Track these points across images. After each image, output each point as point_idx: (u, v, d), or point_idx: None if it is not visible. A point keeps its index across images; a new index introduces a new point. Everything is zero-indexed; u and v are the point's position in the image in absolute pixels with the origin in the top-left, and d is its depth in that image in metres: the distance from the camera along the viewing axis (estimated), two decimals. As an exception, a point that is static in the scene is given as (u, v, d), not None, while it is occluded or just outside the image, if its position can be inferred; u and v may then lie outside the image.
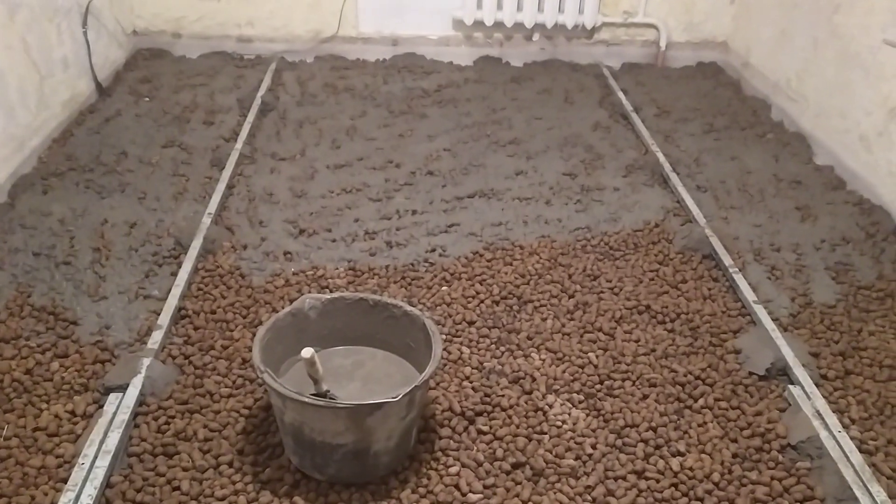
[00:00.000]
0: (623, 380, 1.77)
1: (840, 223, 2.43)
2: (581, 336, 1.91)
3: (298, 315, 1.58)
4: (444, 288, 2.08)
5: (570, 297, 2.05)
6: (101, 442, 1.51)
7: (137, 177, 2.54)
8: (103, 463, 1.47)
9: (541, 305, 2.01)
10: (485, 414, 1.66)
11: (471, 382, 1.74)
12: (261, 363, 1.41)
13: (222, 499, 1.44)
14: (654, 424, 1.64)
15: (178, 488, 1.46)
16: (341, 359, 1.63)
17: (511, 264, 2.18)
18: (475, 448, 1.58)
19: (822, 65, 2.88)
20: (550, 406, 1.69)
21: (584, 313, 1.99)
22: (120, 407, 1.60)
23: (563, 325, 1.94)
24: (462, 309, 1.98)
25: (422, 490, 1.48)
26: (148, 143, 2.76)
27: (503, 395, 1.70)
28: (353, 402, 1.34)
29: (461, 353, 1.84)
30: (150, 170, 2.59)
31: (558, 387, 1.74)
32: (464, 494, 1.47)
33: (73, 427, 1.58)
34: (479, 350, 1.85)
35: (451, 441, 1.59)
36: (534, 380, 1.75)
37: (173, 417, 1.62)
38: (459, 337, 1.89)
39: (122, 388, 1.65)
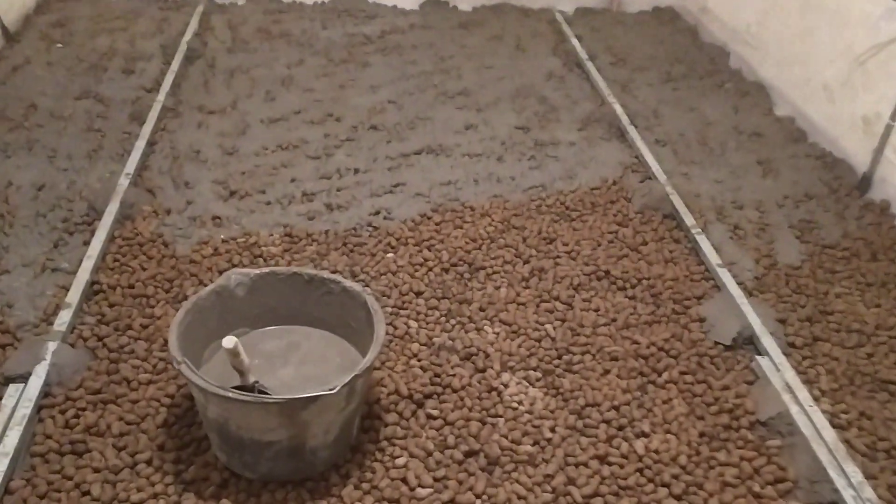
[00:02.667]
0: (583, 353, 1.64)
1: (803, 178, 2.32)
2: (537, 306, 1.77)
3: (224, 293, 1.40)
4: (389, 255, 1.91)
5: (525, 262, 1.91)
6: (1, 437, 1.33)
7: (47, 133, 2.30)
8: (1, 466, 1.29)
9: (494, 272, 1.87)
10: (435, 396, 1.52)
11: (419, 361, 1.60)
12: (178, 352, 1.23)
13: (139, 503, 1.28)
14: (616, 403, 1.52)
15: (87, 493, 1.29)
16: (274, 340, 1.46)
17: (461, 227, 2.02)
18: (424, 435, 1.44)
19: (784, 10, 2.75)
20: (506, 385, 1.55)
21: (539, 280, 1.85)
22: (20, 400, 1.41)
23: (518, 294, 1.80)
24: (409, 278, 1.82)
25: (365, 486, 1.33)
26: (60, 95, 2.50)
27: (454, 375, 1.56)
28: (284, 398, 1.18)
29: (408, 327, 1.68)
30: (62, 124, 2.35)
31: (514, 363, 1.60)
32: (412, 489, 1.34)
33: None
34: (427, 324, 1.70)
35: (398, 428, 1.45)
36: (487, 356, 1.61)
37: (83, 410, 1.44)
38: (406, 309, 1.74)
39: (24, 378, 1.46)
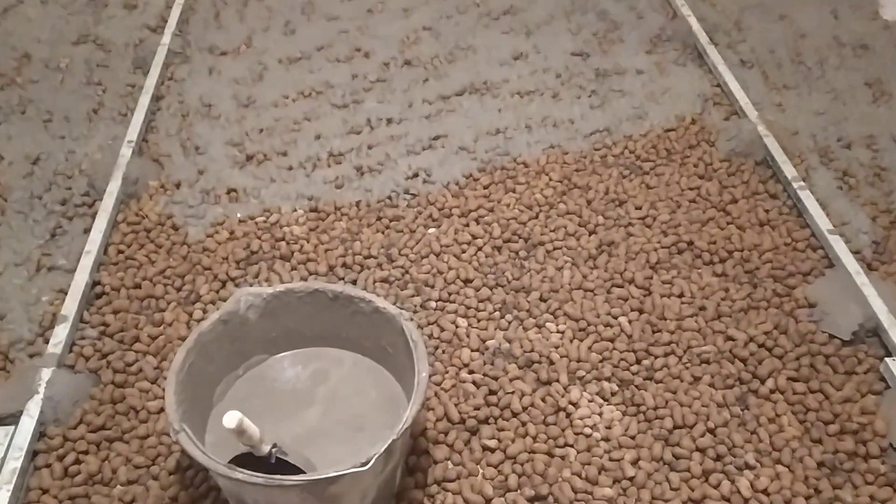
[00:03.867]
0: (666, 355, 1.37)
1: (922, 103, 1.94)
2: (608, 292, 1.49)
3: (232, 320, 1.16)
4: (430, 231, 1.63)
5: (591, 233, 1.62)
6: (-15, 507, 1.14)
7: (42, 90, 2.03)
8: (-12, 538, 1.11)
9: (554, 249, 1.58)
10: (491, 421, 1.28)
11: (471, 373, 1.35)
12: (176, 415, 1.00)
13: (150, 578, 1.09)
14: (711, 423, 1.26)
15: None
16: (296, 368, 1.23)
17: (514, 190, 1.72)
18: (480, 474, 1.21)
19: None
20: (575, 405, 1.30)
21: (609, 257, 1.56)
22: (10, 449, 1.21)
23: (585, 277, 1.52)
24: (455, 261, 1.55)
25: (413, 548, 1.12)
26: (56, 41, 2.22)
27: (513, 392, 1.31)
28: (306, 479, 0.94)
29: (457, 327, 1.43)
30: (59, 77, 2.08)
31: (584, 372, 1.34)
32: (469, 551, 1.12)
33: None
34: (479, 321, 1.44)
35: (450, 464, 1.22)
36: (552, 364, 1.36)
37: (85, 454, 1.24)
38: (453, 303, 1.47)
39: (14, 419, 1.26)
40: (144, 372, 1.35)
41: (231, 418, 0.91)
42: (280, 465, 1.01)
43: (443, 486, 1.19)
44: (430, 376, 1.07)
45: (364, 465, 0.95)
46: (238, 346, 1.18)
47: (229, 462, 0.98)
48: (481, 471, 1.21)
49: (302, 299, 1.19)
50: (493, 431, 1.26)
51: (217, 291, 1.50)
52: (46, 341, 1.39)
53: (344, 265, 1.55)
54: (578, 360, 1.36)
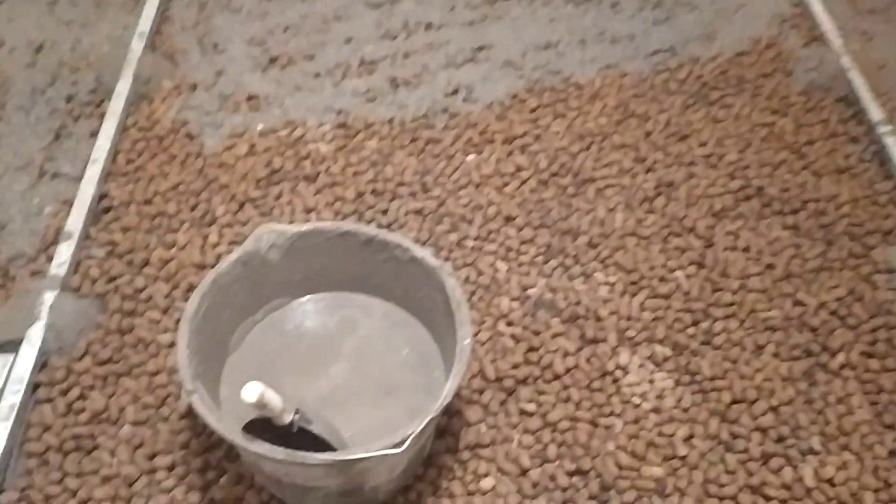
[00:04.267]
0: (727, 318, 1.24)
1: None
2: (665, 241, 1.35)
3: (252, 262, 1.03)
4: (470, 157, 1.48)
5: (649, 171, 1.46)
6: (-20, 444, 1.05)
7: (46, -37, 1.83)
8: (-16, 479, 1.02)
9: (607, 187, 1.43)
10: (530, 382, 1.16)
11: (510, 325, 1.23)
12: (189, 373, 0.89)
13: (157, 534, 1.01)
14: (775, 401, 1.14)
15: (93, 515, 1.02)
16: (322, 315, 1.11)
17: (564, 116, 1.55)
18: (516, 440, 1.11)
19: None
20: (624, 369, 1.18)
21: (668, 201, 1.41)
22: (9, 381, 1.11)
23: (640, 222, 1.37)
24: (496, 195, 1.41)
25: (441, 520, 1.03)
26: None
27: (556, 350, 1.19)
28: (330, 458, 0.83)
29: (496, 271, 1.30)
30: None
31: (634, 332, 1.22)
32: (501, 527, 1.03)
33: (-56, 409, 1.11)
34: (520, 265, 1.31)
35: (484, 427, 1.12)
36: (599, 320, 1.23)
37: (90, 389, 1.14)
38: (493, 242, 1.34)
39: (13, 346, 1.15)
40: (154, 300, 1.24)
41: (251, 391, 0.79)
42: (302, 432, 0.90)
43: (475, 451, 1.09)
44: (470, 352, 0.94)
45: (397, 446, 0.84)
46: (258, 289, 1.06)
47: (247, 424, 0.87)
48: (517, 437, 1.11)
49: (331, 241, 1.05)
50: (532, 394, 1.15)
51: (234, 213, 1.37)
52: (49, 259, 1.28)
53: (374, 192, 1.40)
54: (629, 318, 1.23)
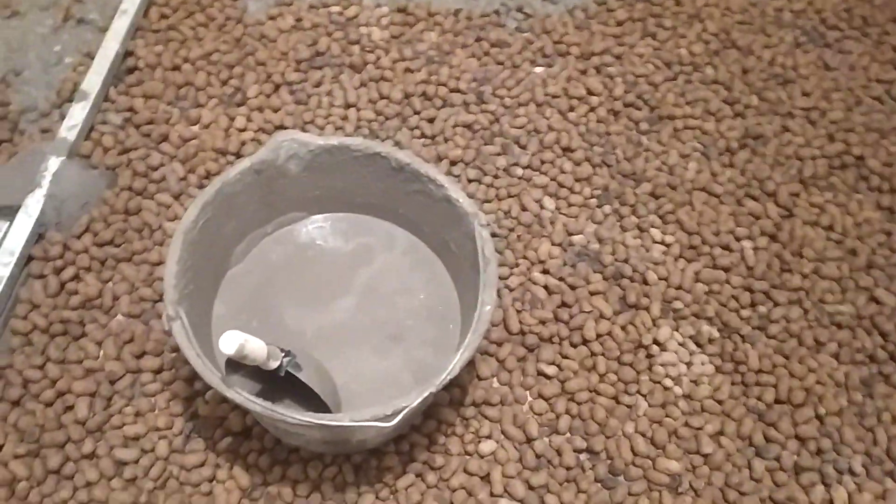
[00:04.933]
0: (789, 304, 1.10)
1: None
2: (739, 203, 1.19)
3: (267, 171, 0.91)
4: (538, 69, 1.31)
5: (737, 116, 1.27)
6: (-36, 315, 0.99)
7: None
8: (-35, 351, 0.97)
9: (685, 128, 1.26)
10: (556, 342, 1.05)
11: (545, 273, 1.10)
12: (174, 294, 0.79)
13: (134, 438, 0.95)
14: (823, 408, 1.02)
15: (71, 409, 0.96)
16: (339, 237, 0.99)
17: (654, 36, 1.36)
18: (527, 405, 1.01)
19: None
20: (661, 345, 1.06)
21: (752, 156, 1.23)
22: (0, 249, 1.04)
23: (715, 177, 1.21)
24: (559, 119, 1.25)
25: (431, 478, 0.95)
26: None
27: (590, 311, 1.07)
28: (312, 420, 0.74)
29: (542, 208, 1.16)
30: None
31: (682, 305, 1.09)
32: (494, 498, 0.94)
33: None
34: (570, 206, 1.17)
35: (495, 383, 1.02)
36: (645, 283, 1.10)
37: (87, 271, 1.07)
38: (544, 174, 1.19)
39: (10, 213, 1.08)
40: (168, 182, 1.14)
41: (228, 342, 0.70)
42: (291, 376, 0.81)
43: (481, 409, 1.00)
44: (488, 318, 0.83)
45: (388, 419, 0.74)
46: (270, 200, 0.94)
47: (230, 359, 0.79)
48: (529, 401, 1.02)
49: (358, 160, 0.93)
50: (554, 355, 1.04)
51: (268, 96, 1.24)
52: (63, 117, 1.18)
53: (423, 95, 1.26)
54: (679, 288, 1.10)
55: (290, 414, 0.73)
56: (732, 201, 1.18)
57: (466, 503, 0.93)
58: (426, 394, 0.75)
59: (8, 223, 1.06)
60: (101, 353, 1.00)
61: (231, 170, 0.88)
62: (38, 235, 1.07)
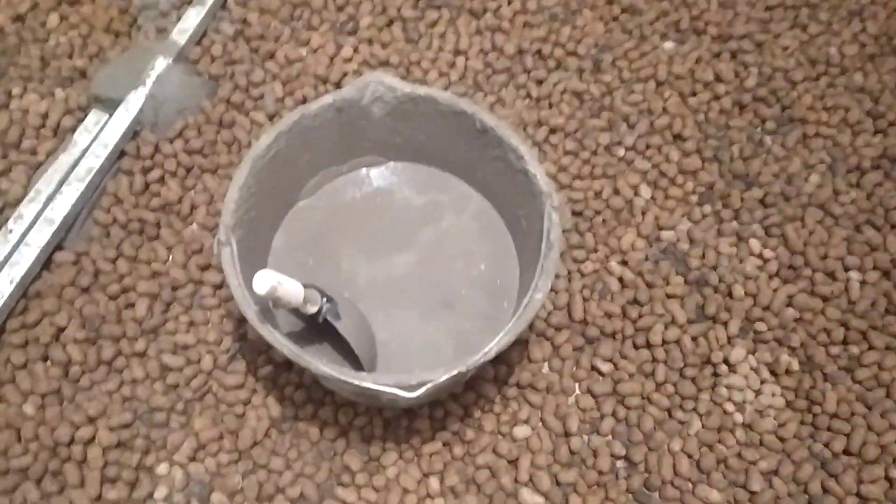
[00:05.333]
0: (886, 350, 0.99)
1: None
2: (857, 228, 1.07)
3: (349, 110, 0.89)
4: (667, 44, 1.22)
5: (878, 132, 1.15)
6: (52, 196, 1.03)
7: None
8: (43, 235, 1.01)
9: (816, 135, 1.14)
10: (618, 338, 1.00)
11: (623, 265, 1.04)
12: (230, 219, 0.79)
13: (183, 347, 0.97)
14: (895, 471, 0.92)
15: (131, 306, 0.99)
16: (412, 189, 0.96)
17: (805, 28, 1.23)
18: (573, 399, 0.97)
19: None
20: (732, 366, 0.98)
21: (884, 180, 1.11)
22: (96, 141, 1.07)
23: (837, 195, 1.10)
24: (676, 103, 1.16)
25: (458, 450, 0.93)
26: None
27: (662, 315, 1.00)
28: (336, 374, 0.73)
29: (636, 195, 1.09)
30: None
31: (765, 327, 1.00)
32: (516, 484, 0.91)
33: (34, 143, 1.09)
34: (667, 198, 1.09)
35: (545, 369, 0.98)
36: (730, 297, 1.02)
37: (172, 175, 1.09)
38: (648, 160, 1.12)
39: (113, 106, 1.10)
40: (265, 101, 1.14)
41: (261, 282, 0.68)
42: (328, 323, 0.80)
43: (525, 392, 0.96)
44: (547, 296, 0.78)
45: (412, 389, 0.72)
46: (349, 140, 0.92)
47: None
48: (577, 394, 0.97)
49: (443, 114, 0.88)
50: (613, 353, 0.99)
51: (379, 29, 1.21)
52: (178, 19, 1.19)
53: (538, 53, 1.19)
54: (766, 309, 1.01)
55: (315, 363, 0.72)
56: (850, 225, 1.07)
57: (488, 483, 0.91)
58: (454, 372, 0.72)
59: (108, 116, 1.09)
60: (170, 258, 1.03)
61: (313, 104, 0.86)
62: (133, 132, 1.10)
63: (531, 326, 0.99)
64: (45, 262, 1.01)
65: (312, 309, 0.77)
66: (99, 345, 0.96)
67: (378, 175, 0.96)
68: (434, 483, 0.90)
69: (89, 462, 0.90)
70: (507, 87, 1.17)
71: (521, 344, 0.98)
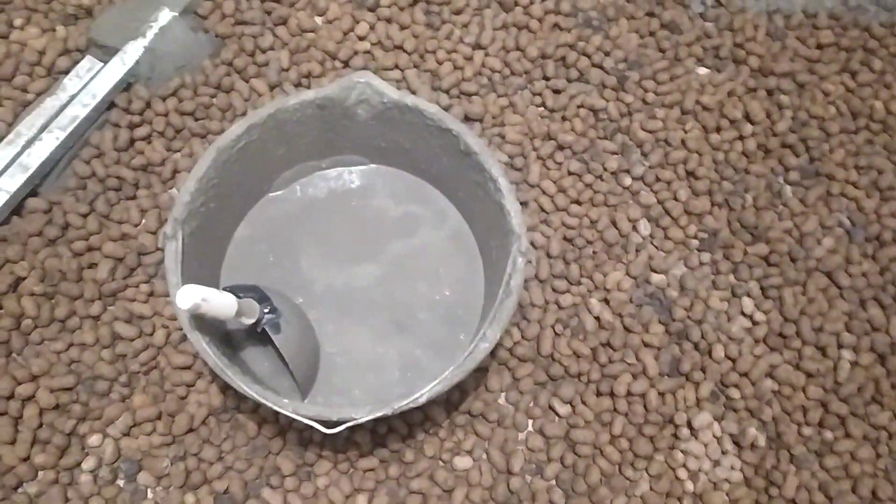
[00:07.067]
0: (864, 440, 0.93)
1: None
2: (861, 304, 1.00)
3: (332, 108, 0.84)
4: (701, 70, 1.13)
5: (909, 204, 1.06)
6: (31, 141, 1.00)
7: None
8: (15, 181, 0.98)
9: (841, 194, 1.06)
10: (583, 381, 0.95)
11: (604, 304, 0.99)
12: (182, 210, 0.76)
13: (139, 317, 0.96)
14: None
15: (93, 266, 0.97)
16: (389, 198, 0.92)
17: (853, 74, 1.14)
18: (524, 435, 0.93)
19: None
20: (695, 431, 0.93)
21: (904, 257, 1.03)
22: (84, 89, 1.04)
23: (847, 265, 1.02)
24: (698, 137, 1.08)
25: (393, 470, 0.90)
26: None
27: (632, 364, 0.95)
28: (261, 399, 0.70)
29: (633, 231, 1.03)
30: None
31: (738, 395, 0.95)
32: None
33: (27, 80, 1.06)
34: (665, 239, 1.03)
35: (501, 399, 0.94)
36: (709, 357, 0.96)
37: (160, 135, 1.05)
38: (653, 195, 1.05)
39: (108, 54, 1.07)
40: (268, 69, 1.09)
41: (184, 298, 0.65)
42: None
43: (473, 421, 0.93)
44: (494, 347, 0.74)
45: (330, 425, 0.69)
46: (330, 138, 0.88)
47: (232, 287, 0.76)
48: (528, 431, 0.94)
49: (429, 128, 0.83)
50: (574, 395, 0.94)
51: (401, 9, 1.14)
52: (194, -33, 1.14)
53: (562, 61, 1.12)
54: (744, 375, 0.96)
55: (238, 381, 0.69)
56: (855, 300, 1.00)
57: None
58: (378, 414, 0.69)
59: (102, 64, 1.05)
60: (143, 222, 1.00)
61: (291, 98, 0.81)
62: (126, 84, 1.06)
63: (493, 354, 0.95)
64: (16, 208, 0.99)
65: (248, 321, 0.74)
66: (55, 301, 0.95)
67: (358, 176, 0.92)
68: (362, 501, 0.88)
69: (25, 420, 0.89)
70: (523, 91, 1.11)
71: (480, 371, 0.94)
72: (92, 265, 0.97)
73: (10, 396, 0.90)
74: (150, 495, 0.88)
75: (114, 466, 0.89)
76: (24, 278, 0.95)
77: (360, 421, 0.68)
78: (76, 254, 0.97)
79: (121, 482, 0.89)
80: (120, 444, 0.89)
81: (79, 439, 0.89)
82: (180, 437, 0.90)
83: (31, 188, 0.99)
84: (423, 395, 0.69)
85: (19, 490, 0.87)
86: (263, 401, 0.68)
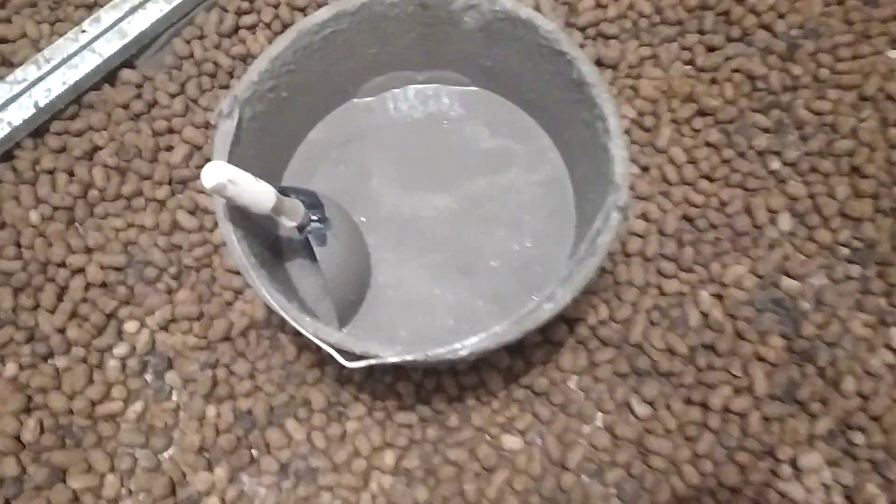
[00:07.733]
0: None
1: None
2: None
3: (436, 11, 0.72)
4: (892, 53, 0.93)
5: None
6: (135, 8, 0.95)
7: None
8: (118, 41, 0.94)
9: None
10: (674, 382, 0.81)
11: (718, 299, 0.83)
12: (246, 90, 0.67)
13: (204, 212, 0.89)
14: None
15: (171, 149, 0.92)
16: (484, 126, 0.79)
17: None
18: (589, 429, 0.80)
19: None
20: (799, 471, 0.77)
21: None
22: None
23: None
24: (874, 127, 0.89)
25: (431, 433, 0.79)
26: None
27: (738, 377, 0.79)
28: (286, 317, 0.60)
29: (772, 223, 0.86)
30: None
31: (865, 431, 0.77)
32: (480, 496, 0.77)
33: None
34: (808, 240, 0.86)
35: (571, 382, 0.81)
36: (835, 388, 0.79)
37: (266, 26, 0.98)
38: (807, 185, 0.88)
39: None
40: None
41: (209, 175, 0.56)
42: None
43: (534, 399, 0.80)
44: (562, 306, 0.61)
45: (351, 358, 0.59)
46: (430, 46, 0.76)
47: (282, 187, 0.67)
48: (595, 425, 0.80)
49: (542, 50, 0.69)
50: (657, 396, 0.80)
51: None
52: None
53: (725, 15, 0.96)
54: (876, 420, 0.78)
55: (256, 281, 0.60)
56: None
57: (448, 484, 0.77)
58: (408, 357, 0.58)
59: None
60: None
61: (336, 4, 0.71)
62: None
63: (572, 330, 0.82)
64: (108, 76, 0.94)
65: (289, 224, 0.64)
66: (125, 177, 0.90)
67: (456, 97, 0.80)
68: (390, 458, 0.78)
69: (69, 291, 0.85)
70: (671, 44, 0.95)
71: (553, 345, 0.82)
72: (169, 147, 0.92)
73: (62, 264, 0.86)
74: (174, 397, 0.82)
75: (144, 359, 0.83)
76: (101, 148, 0.91)
77: (385, 361, 0.57)
78: (156, 133, 0.92)
79: (147, 377, 0.83)
80: (155, 337, 0.83)
81: (117, 323, 0.84)
82: (214, 344, 0.83)
83: (127, 57, 0.95)
84: (464, 347, 0.57)
85: (49, 361, 0.83)
86: (282, 312, 0.59)
